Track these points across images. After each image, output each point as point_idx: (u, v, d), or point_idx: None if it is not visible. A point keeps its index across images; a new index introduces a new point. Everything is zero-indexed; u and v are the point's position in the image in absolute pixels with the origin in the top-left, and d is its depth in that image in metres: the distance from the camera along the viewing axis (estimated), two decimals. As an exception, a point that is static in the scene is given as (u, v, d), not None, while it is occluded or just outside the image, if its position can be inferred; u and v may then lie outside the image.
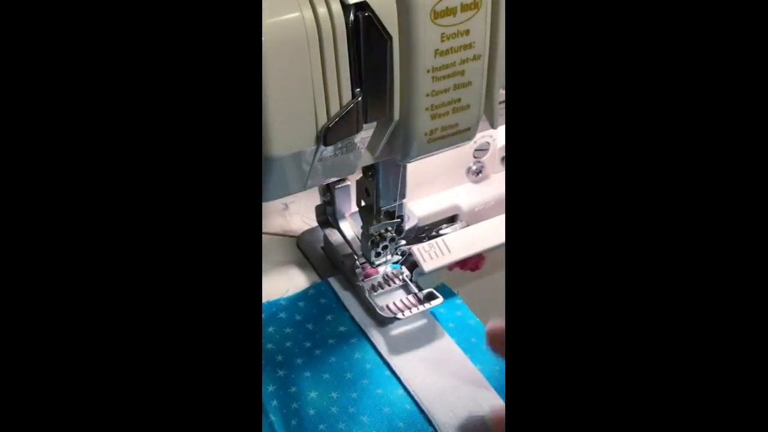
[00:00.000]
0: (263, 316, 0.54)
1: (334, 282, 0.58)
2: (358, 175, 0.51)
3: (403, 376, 0.50)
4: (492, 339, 0.43)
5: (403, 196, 0.52)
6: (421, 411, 0.48)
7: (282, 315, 0.55)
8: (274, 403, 0.48)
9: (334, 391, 0.49)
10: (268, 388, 0.49)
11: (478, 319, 0.56)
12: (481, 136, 0.63)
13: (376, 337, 0.53)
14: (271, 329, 0.53)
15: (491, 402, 0.48)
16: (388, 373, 0.51)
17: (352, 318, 0.55)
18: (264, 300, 0.56)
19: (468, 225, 0.61)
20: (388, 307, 0.54)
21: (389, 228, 0.53)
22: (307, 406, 0.48)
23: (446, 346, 0.53)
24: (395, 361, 0.51)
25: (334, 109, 0.37)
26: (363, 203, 0.53)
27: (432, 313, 0.55)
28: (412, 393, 0.49)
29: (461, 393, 0.49)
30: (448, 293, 0.57)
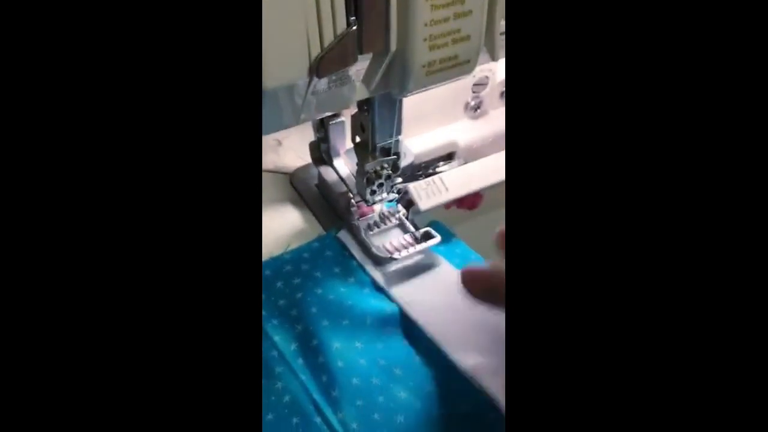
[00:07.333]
0: (269, 273, 0.53)
1: (343, 235, 0.56)
2: (354, 110, 0.50)
3: (422, 321, 0.49)
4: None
5: (399, 132, 0.50)
6: (453, 364, 0.46)
7: (288, 268, 0.53)
8: (300, 361, 0.47)
9: (357, 341, 0.48)
10: (291, 347, 0.48)
11: (478, 254, 0.56)
12: (480, 70, 0.61)
13: (386, 283, 0.52)
14: (279, 284, 0.52)
15: None
16: (409, 320, 0.49)
17: (361, 268, 0.54)
18: (266, 257, 0.54)
19: (465, 162, 0.60)
20: (384, 246, 0.54)
21: (385, 165, 0.52)
22: (334, 359, 0.46)
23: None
24: (414, 309, 0.50)
25: (328, 39, 0.35)
26: (358, 139, 0.52)
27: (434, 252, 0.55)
28: (438, 342, 0.47)
29: (482, 336, 0.47)
30: (444, 232, 0.56)
